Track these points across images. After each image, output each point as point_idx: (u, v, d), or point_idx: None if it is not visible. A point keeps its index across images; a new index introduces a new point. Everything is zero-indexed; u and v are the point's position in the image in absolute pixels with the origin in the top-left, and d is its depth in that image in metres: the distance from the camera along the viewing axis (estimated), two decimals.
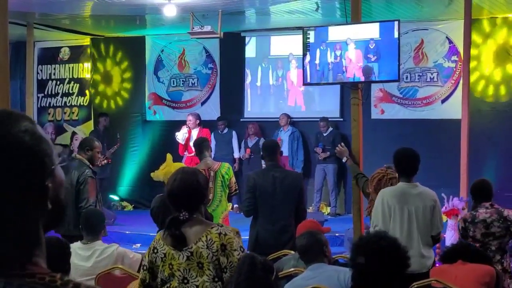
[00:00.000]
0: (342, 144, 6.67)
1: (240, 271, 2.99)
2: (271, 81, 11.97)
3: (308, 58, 7.00)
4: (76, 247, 4.47)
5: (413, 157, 5.00)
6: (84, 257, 4.53)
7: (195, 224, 3.16)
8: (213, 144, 11.50)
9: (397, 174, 5.35)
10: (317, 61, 7.00)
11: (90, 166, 5.94)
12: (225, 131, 11.66)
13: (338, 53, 6.87)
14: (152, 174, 6.04)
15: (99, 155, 6.16)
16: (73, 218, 5.58)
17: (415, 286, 4.10)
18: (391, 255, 2.47)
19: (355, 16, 6.69)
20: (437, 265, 4.98)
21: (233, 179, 6.53)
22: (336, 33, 6.91)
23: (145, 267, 3.24)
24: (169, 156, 5.91)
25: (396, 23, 6.67)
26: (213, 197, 6.29)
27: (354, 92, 6.72)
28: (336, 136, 10.71)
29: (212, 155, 11.25)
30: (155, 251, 3.19)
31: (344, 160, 6.52)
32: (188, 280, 3.10)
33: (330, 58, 6.90)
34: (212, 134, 11.50)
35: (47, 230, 1.32)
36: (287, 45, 11.60)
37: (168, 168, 5.64)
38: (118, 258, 4.52)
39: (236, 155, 11.62)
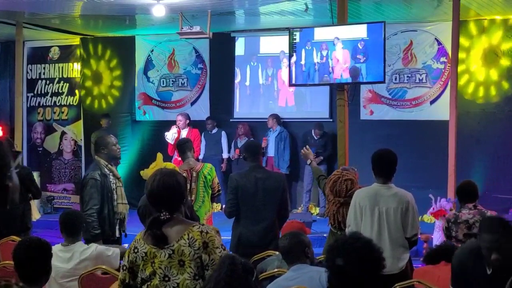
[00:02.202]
0: (307, 147, 6.69)
1: (220, 271, 3.00)
2: (261, 80, 11.97)
3: (294, 58, 7.02)
4: (56, 249, 4.47)
5: (390, 160, 4.99)
6: (64, 259, 4.52)
7: (176, 223, 3.20)
8: (203, 144, 11.52)
9: (352, 176, 5.41)
10: (302, 62, 7.00)
11: (109, 165, 5.75)
12: (214, 130, 11.65)
13: (324, 53, 6.88)
14: (141, 173, 6.01)
15: (115, 147, 5.88)
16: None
17: (397, 287, 4.11)
18: (366, 256, 2.49)
19: (341, 18, 6.71)
20: (418, 266, 5.00)
21: (216, 180, 6.52)
22: (322, 33, 6.93)
23: (124, 267, 3.26)
24: (159, 156, 5.90)
25: (382, 24, 6.70)
26: (195, 198, 6.29)
27: (340, 93, 6.74)
28: (328, 140, 10.72)
29: (202, 155, 11.31)
30: (136, 250, 3.21)
31: (308, 162, 6.54)
32: (169, 278, 3.13)
33: (316, 58, 6.91)
34: (202, 134, 11.51)
35: None
36: (277, 45, 11.60)
37: (158, 167, 5.62)
38: (98, 257, 4.52)
39: (225, 155, 11.61)
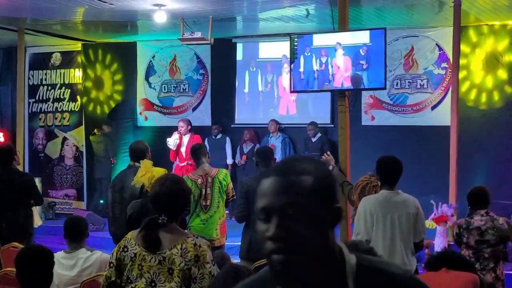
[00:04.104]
0: (328, 152, 6.66)
1: (225, 284, 3.00)
2: (261, 87, 11.97)
3: (293, 65, 7.01)
4: (59, 256, 4.45)
5: (397, 166, 4.96)
6: (67, 266, 4.50)
7: (171, 231, 3.22)
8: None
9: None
10: (301, 69, 6.95)
11: None
12: (219, 136, 11.65)
13: (323, 59, 6.83)
14: (134, 181, 5.96)
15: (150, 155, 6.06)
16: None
17: None
18: None
19: (342, 24, 6.70)
20: (420, 272, 4.99)
21: (230, 185, 6.48)
22: (321, 39, 6.90)
23: (111, 264, 3.26)
24: (147, 162, 5.82)
25: (383, 31, 6.69)
26: (210, 203, 6.27)
27: (341, 100, 6.73)
28: (324, 143, 10.72)
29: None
30: (125, 249, 3.23)
31: (330, 168, 6.49)
32: (156, 284, 3.15)
33: (315, 66, 6.85)
34: (206, 139, 11.51)
35: None
36: (278, 51, 11.60)
37: (150, 174, 5.60)
38: (102, 265, 4.50)
39: (229, 161, 11.59)
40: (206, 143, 11.47)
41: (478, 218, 5.59)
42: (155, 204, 3.28)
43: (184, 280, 3.13)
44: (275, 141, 11.16)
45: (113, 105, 12.84)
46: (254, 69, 12.01)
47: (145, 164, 5.79)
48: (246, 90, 12.07)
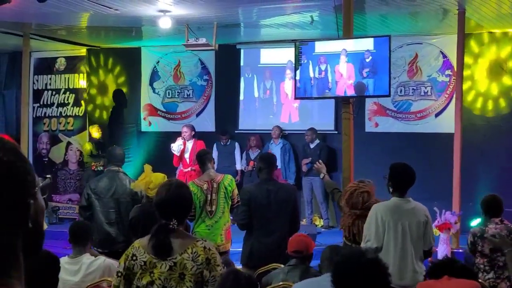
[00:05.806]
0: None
1: (224, 285, 3.02)
2: (258, 93, 11.98)
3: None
4: (63, 261, 4.46)
5: (410, 173, 5.00)
6: (71, 271, 4.51)
7: (180, 236, 3.23)
8: (215, 155, 11.48)
9: (368, 188, 5.36)
10: (297, 77, 6.94)
11: None
12: (228, 142, 11.66)
13: (323, 67, 6.82)
14: (132, 185, 6.02)
15: None
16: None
17: None
18: (373, 272, 2.49)
19: (346, 31, 6.70)
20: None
21: (236, 191, 6.49)
22: (325, 46, 6.90)
23: (119, 274, 3.25)
24: (147, 167, 5.87)
25: (388, 38, 6.70)
26: (216, 209, 6.27)
27: (345, 107, 6.73)
28: (322, 149, 10.72)
29: (215, 167, 11.28)
30: (134, 258, 3.21)
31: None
32: None
33: (313, 73, 6.83)
34: (215, 145, 11.51)
35: (27, 255, 1.24)
36: (281, 57, 11.62)
37: (148, 179, 5.64)
38: (105, 270, 4.51)
39: (238, 166, 11.58)
40: (215, 149, 11.48)
41: (493, 226, 5.60)
42: (163, 210, 3.26)
43: (197, 284, 3.14)
44: (274, 148, 11.15)
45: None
46: (250, 75, 12.03)
47: (146, 169, 5.84)
48: (241, 97, 12.08)
